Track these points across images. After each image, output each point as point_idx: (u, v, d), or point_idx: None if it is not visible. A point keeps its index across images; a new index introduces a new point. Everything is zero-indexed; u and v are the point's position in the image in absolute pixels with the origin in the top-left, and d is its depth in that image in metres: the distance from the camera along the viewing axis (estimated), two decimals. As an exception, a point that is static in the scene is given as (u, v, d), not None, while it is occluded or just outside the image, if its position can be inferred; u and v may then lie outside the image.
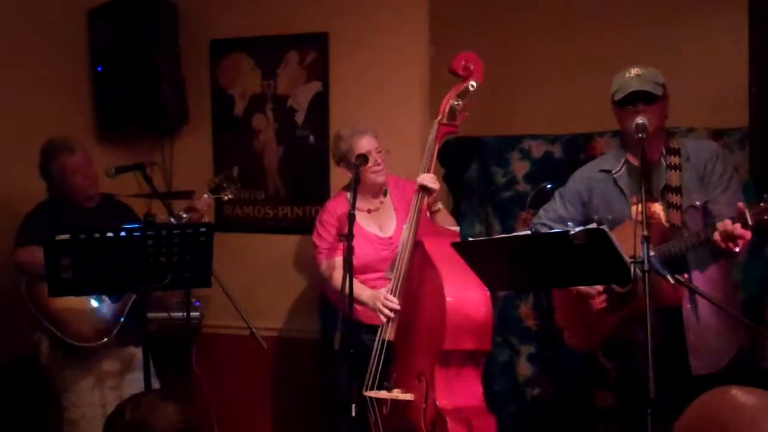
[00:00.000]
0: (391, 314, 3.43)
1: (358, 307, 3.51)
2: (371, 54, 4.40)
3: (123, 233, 3.10)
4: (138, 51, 4.52)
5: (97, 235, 3.08)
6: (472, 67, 3.42)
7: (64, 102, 4.48)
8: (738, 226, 2.77)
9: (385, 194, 3.86)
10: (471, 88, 3.41)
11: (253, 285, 4.49)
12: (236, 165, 3.98)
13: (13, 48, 4.22)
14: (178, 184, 4.74)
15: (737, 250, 2.83)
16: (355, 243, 3.38)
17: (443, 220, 3.61)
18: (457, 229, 3.72)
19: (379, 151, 3.72)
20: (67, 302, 3.44)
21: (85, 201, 3.80)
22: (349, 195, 3.83)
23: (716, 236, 2.83)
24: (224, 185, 3.87)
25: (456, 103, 3.41)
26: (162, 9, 4.59)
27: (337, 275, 3.73)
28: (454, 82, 3.45)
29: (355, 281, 3.46)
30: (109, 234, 3.09)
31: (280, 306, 4.62)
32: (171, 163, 4.80)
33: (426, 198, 3.44)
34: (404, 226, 3.53)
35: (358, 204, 3.51)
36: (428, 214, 3.53)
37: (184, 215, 3.70)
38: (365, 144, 3.71)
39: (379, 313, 3.46)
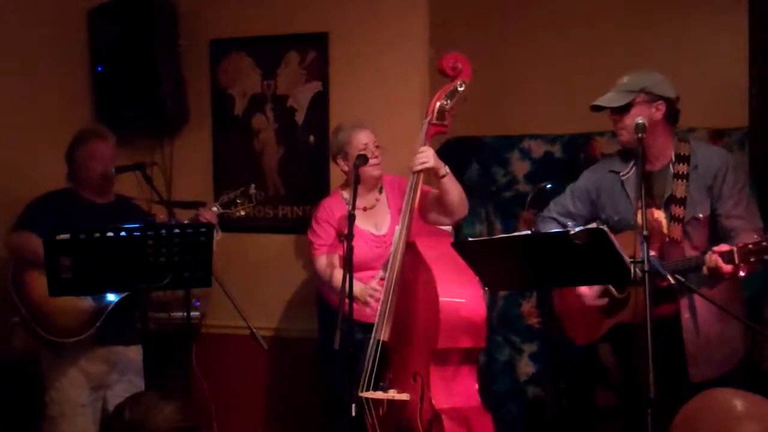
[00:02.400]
0: (371, 301, 3.50)
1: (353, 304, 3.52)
2: (371, 54, 4.40)
3: (123, 233, 3.10)
4: (138, 51, 4.51)
5: (97, 235, 3.07)
6: (460, 67, 3.43)
7: (64, 102, 4.48)
8: (721, 262, 2.80)
9: (380, 191, 3.87)
10: (459, 88, 3.42)
11: (253, 285, 4.48)
12: (253, 183, 3.97)
13: (13, 48, 4.22)
14: (178, 183, 4.74)
15: (741, 275, 2.84)
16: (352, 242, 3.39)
17: (452, 184, 3.56)
18: (463, 205, 3.69)
19: (377, 146, 3.75)
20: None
21: (99, 194, 3.77)
22: (344, 193, 3.85)
23: (704, 270, 2.87)
24: (238, 201, 3.87)
25: (445, 103, 3.42)
26: (162, 9, 4.59)
27: (331, 272, 3.76)
28: (444, 82, 3.46)
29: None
30: (109, 234, 3.08)
31: (279, 306, 4.62)
32: (171, 163, 4.80)
33: (420, 185, 3.46)
34: (396, 226, 3.54)
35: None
36: (438, 181, 3.53)
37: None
38: (363, 137, 3.74)
39: (369, 299, 3.52)
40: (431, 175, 3.52)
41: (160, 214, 3.89)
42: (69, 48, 4.55)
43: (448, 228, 3.77)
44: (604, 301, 3.18)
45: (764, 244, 2.74)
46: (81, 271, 3.09)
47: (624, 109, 3.09)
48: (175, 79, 4.64)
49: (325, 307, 3.97)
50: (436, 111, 3.43)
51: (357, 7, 4.42)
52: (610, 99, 3.12)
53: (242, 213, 3.95)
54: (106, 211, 3.75)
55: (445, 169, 3.51)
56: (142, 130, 4.72)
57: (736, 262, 2.78)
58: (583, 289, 3.21)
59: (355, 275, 3.59)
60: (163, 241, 3.12)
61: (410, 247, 3.43)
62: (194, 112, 4.77)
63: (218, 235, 3.70)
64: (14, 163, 4.11)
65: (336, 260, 3.78)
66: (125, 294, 3.52)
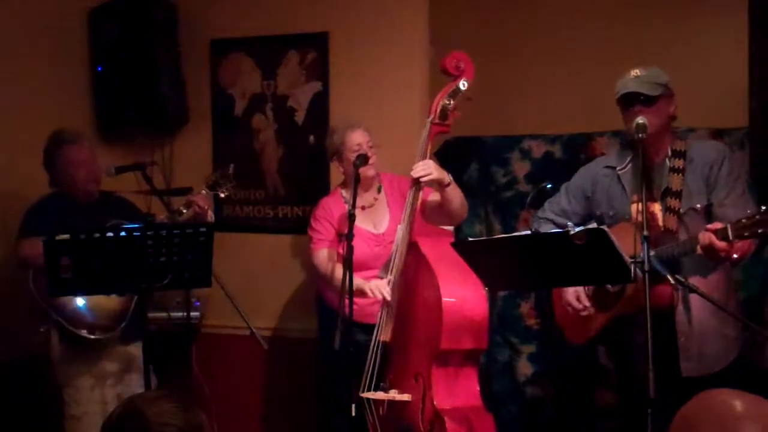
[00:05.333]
0: (380, 296, 3.44)
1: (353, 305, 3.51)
2: (371, 54, 4.40)
3: (123, 233, 3.10)
4: (138, 51, 4.52)
5: (97, 234, 3.07)
6: (463, 66, 3.40)
7: (64, 102, 4.47)
8: (714, 239, 2.77)
9: (379, 191, 3.86)
10: (462, 87, 3.40)
11: (253, 285, 4.48)
12: (232, 163, 3.96)
13: (14, 48, 4.22)
14: (178, 183, 4.73)
15: (734, 257, 2.83)
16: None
17: (454, 193, 3.52)
18: (464, 210, 3.67)
19: (371, 146, 3.74)
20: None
21: (84, 196, 3.76)
22: (343, 192, 3.85)
23: (698, 250, 2.85)
24: (220, 182, 3.87)
25: (447, 102, 3.40)
26: (162, 9, 4.59)
27: (332, 267, 3.76)
28: (447, 82, 3.45)
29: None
30: (109, 234, 3.08)
31: (279, 306, 4.62)
32: (171, 163, 4.80)
33: (421, 193, 3.44)
34: (399, 226, 3.52)
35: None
36: (440, 189, 3.48)
37: (184, 210, 3.69)
38: (357, 137, 3.74)
39: (371, 293, 3.47)
40: (434, 184, 3.48)
41: (160, 215, 3.89)
42: (69, 48, 4.55)
43: (450, 228, 3.76)
44: (590, 308, 3.19)
45: (758, 217, 2.68)
46: (81, 271, 3.09)
47: (653, 101, 3.07)
48: (175, 79, 4.63)
49: (325, 307, 3.97)
50: (438, 110, 3.40)
51: (357, 7, 4.42)
52: (647, 88, 3.06)
53: (226, 193, 3.93)
54: (94, 209, 3.73)
55: (448, 178, 3.47)
56: (142, 130, 4.73)
57: (731, 237, 2.73)
58: (570, 294, 3.21)
59: (355, 275, 3.59)
60: (163, 241, 3.12)
61: (412, 247, 3.42)
62: (194, 112, 4.77)
63: (211, 219, 3.76)
64: (14, 162, 4.11)
65: (336, 256, 3.78)
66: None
